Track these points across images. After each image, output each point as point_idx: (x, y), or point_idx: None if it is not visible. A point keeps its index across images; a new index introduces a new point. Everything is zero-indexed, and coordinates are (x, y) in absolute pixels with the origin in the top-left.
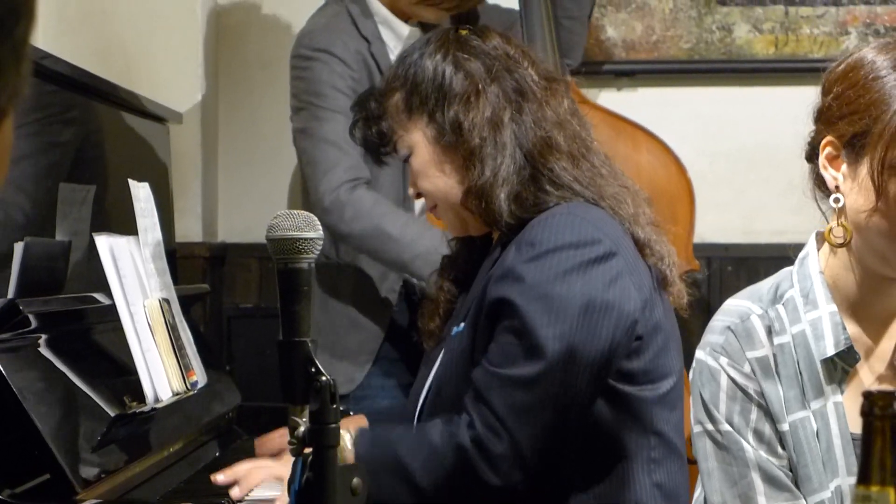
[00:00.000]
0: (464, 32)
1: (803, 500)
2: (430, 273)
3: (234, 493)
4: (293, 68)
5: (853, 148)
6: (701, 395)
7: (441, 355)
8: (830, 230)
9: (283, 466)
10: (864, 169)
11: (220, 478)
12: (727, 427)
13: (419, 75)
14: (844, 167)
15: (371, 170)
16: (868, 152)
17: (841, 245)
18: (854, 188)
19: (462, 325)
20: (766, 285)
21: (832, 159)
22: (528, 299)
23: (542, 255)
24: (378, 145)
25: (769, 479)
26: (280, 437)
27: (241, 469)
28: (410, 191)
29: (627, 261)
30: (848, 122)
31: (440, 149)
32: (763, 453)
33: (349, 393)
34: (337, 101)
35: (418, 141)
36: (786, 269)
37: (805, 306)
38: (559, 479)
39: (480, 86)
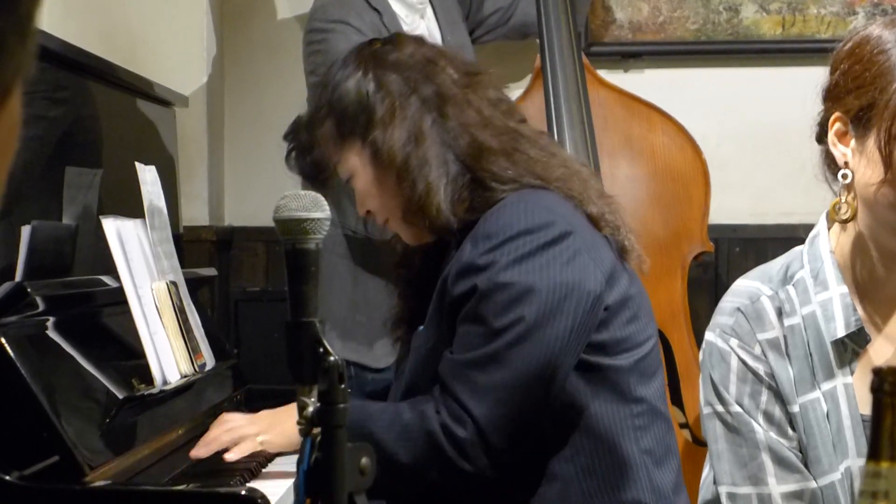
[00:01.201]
0: (378, 45)
1: (813, 482)
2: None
3: (199, 452)
4: (309, 43)
5: (860, 121)
6: (711, 376)
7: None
8: (835, 206)
9: (250, 424)
10: (871, 141)
11: (194, 452)
12: (737, 409)
13: (344, 100)
14: (853, 142)
15: None
16: (875, 124)
17: (844, 221)
18: (863, 162)
19: (425, 324)
20: (776, 266)
21: (841, 136)
22: (488, 288)
23: (499, 245)
24: (315, 174)
25: (779, 461)
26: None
27: (211, 434)
28: (360, 209)
29: (584, 238)
30: (855, 95)
31: (377, 167)
32: (773, 435)
33: (387, 367)
34: None
35: (355, 165)
36: (796, 249)
37: (815, 287)
38: (544, 455)
39: (398, 102)
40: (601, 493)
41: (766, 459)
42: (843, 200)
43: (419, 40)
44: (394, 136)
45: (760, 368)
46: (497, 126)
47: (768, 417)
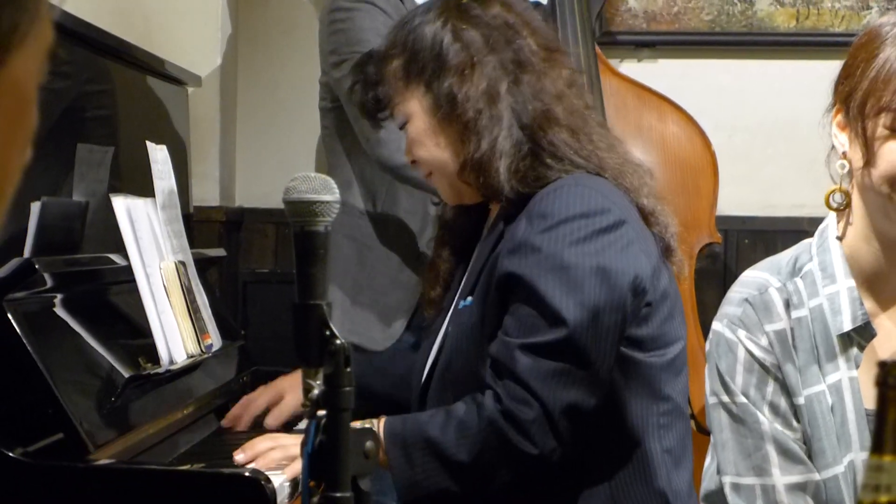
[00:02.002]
0: (464, 0)
1: (817, 474)
2: (428, 240)
3: (241, 461)
4: (332, 22)
5: (848, 109)
6: (717, 366)
7: (445, 328)
8: (830, 195)
9: (298, 445)
10: (858, 126)
11: (240, 457)
12: (743, 399)
13: (418, 43)
14: (848, 131)
15: None
16: (856, 107)
17: (838, 209)
18: (853, 149)
19: (469, 299)
20: (784, 257)
21: (842, 127)
22: (544, 270)
23: (555, 227)
24: (375, 110)
25: (784, 452)
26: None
27: (260, 447)
28: (406, 157)
29: (636, 229)
30: (845, 84)
31: (436, 120)
32: (778, 426)
33: (382, 349)
34: None
35: (415, 110)
36: (805, 242)
37: (823, 280)
38: (576, 450)
39: (476, 57)
40: (627, 488)
41: (771, 450)
42: (839, 189)
43: (507, 4)
44: (469, 91)
45: (767, 360)
46: (569, 104)
47: (774, 409)
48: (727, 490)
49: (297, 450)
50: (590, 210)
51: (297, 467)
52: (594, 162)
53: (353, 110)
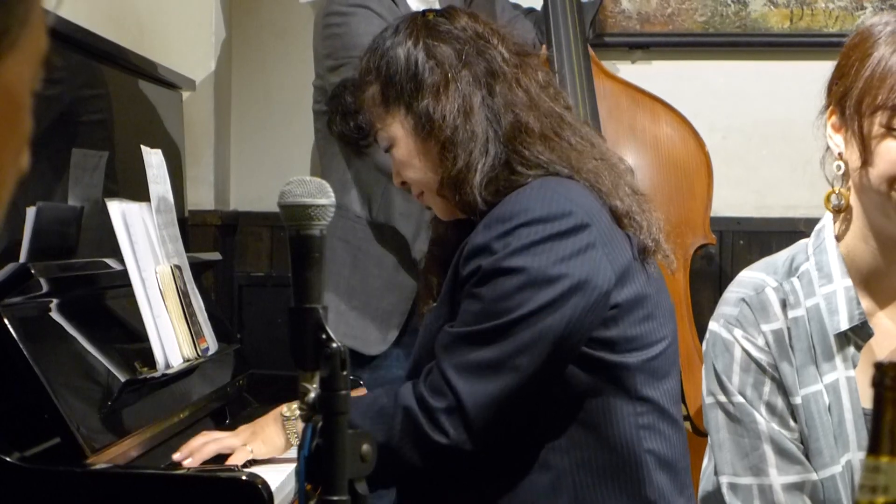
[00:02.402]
0: (431, 16)
1: (814, 474)
2: (422, 244)
3: (188, 464)
4: (327, 26)
5: (843, 109)
6: (714, 366)
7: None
8: (828, 196)
9: (234, 436)
10: (854, 126)
11: (176, 455)
12: (740, 399)
13: (392, 66)
14: (844, 132)
15: None
16: (851, 107)
17: (837, 211)
18: (849, 149)
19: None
20: (781, 257)
21: (837, 128)
22: (493, 269)
23: (512, 230)
24: (357, 138)
25: (781, 452)
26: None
27: (195, 443)
28: (395, 179)
29: (601, 232)
30: (839, 84)
31: (419, 140)
32: (775, 426)
33: (380, 354)
34: None
35: (398, 133)
36: (801, 242)
37: (820, 279)
38: (538, 444)
39: (451, 73)
40: (595, 487)
41: (768, 450)
42: (836, 190)
43: (472, 15)
44: (444, 108)
45: (763, 359)
46: (543, 109)
47: (770, 408)
48: (724, 490)
49: (231, 441)
50: (548, 214)
51: (239, 456)
52: (567, 164)
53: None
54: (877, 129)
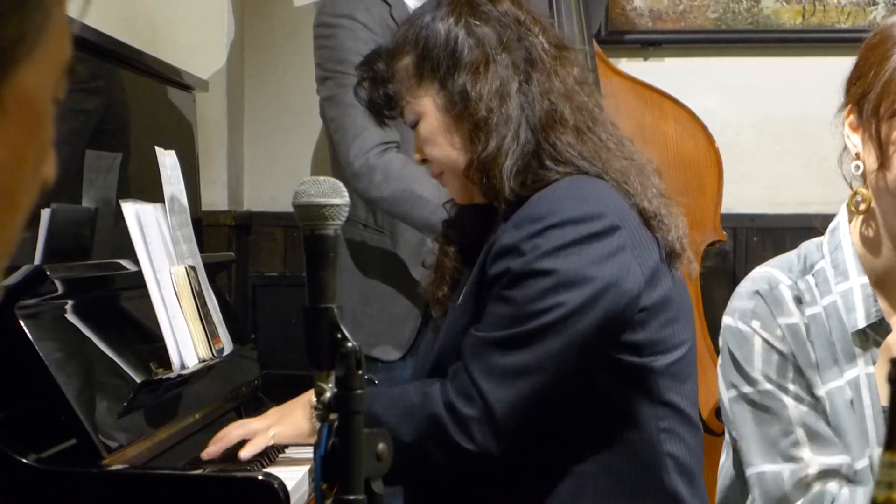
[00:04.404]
0: None
1: (848, 458)
2: (428, 250)
3: (212, 450)
4: (317, 37)
5: (861, 110)
6: (734, 357)
7: (442, 329)
8: (852, 197)
9: (261, 420)
10: (871, 128)
11: (207, 451)
12: (766, 385)
13: (430, 40)
14: (861, 132)
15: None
16: (869, 109)
17: (861, 212)
18: (866, 150)
19: (461, 298)
20: (794, 255)
21: (854, 128)
22: (523, 272)
23: (542, 231)
24: (383, 108)
25: (814, 435)
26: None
27: (223, 431)
28: (416, 155)
29: (631, 234)
30: (858, 85)
31: (450, 117)
32: (805, 408)
33: (398, 359)
34: None
35: (428, 108)
36: (815, 240)
37: (836, 277)
38: (561, 450)
39: (490, 55)
40: (616, 492)
41: (801, 433)
42: (858, 191)
43: (516, 1)
44: (482, 88)
45: (784, 349)
46: (577, 102)
47: (797, 394)
48: (753, 482)
49: (255, 425)
50: (580, 215)
51: (259, 441)
52: (597, 165)
53: (335, 136)
54: (895, 135)
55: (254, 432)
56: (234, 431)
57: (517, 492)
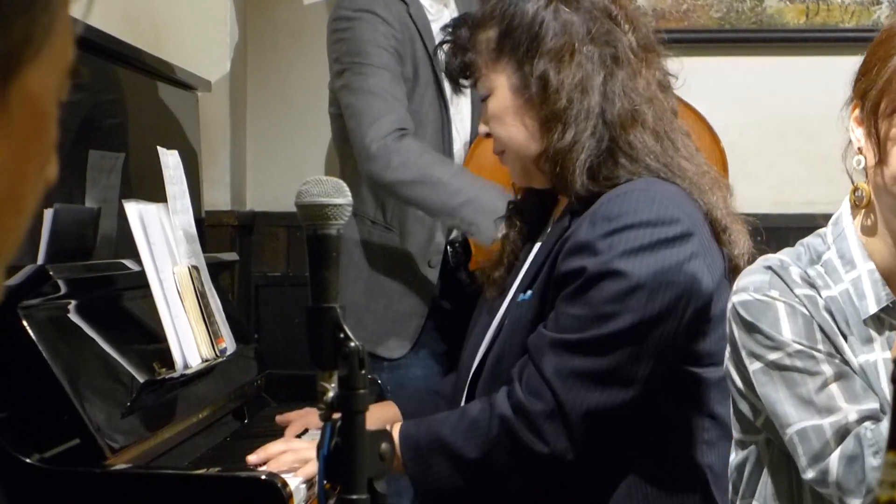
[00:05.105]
0: None
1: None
2: (496, 219)
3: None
4: (334, 31)
5: (864, 106)
6: (757, 327)
7: (500, 319)
8: (853, 192)
9: (312, 448)
10: (871, 125)
11: (252, 458)
12: (797, 346)
13: (517, 18)
14: (864, 127)
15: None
16: (869, 106)
17: (861, 206)
18: (867, 146)
19: (529, 293)
20: (802, 247)
21: (859, 123)
22: (599, 272)
23: (619, 231)
24: (459, 75)
25: (848, 388)
26: (299, 417)
27: (273, 450)
28: (482, 128)
29: (703, 243)
30: (863, 80)
31: (522, 100)
32: (836, 363)
33: (401, 357)
34: (381, 58)
35: (501, 85)
36: (817, 231)
37: (844, 266)
38: (618, 451)
39: (577, 44)
40: (656, 499)
41: (835, 387)
42: (859, 186)
43: None
44: (563, 78)
45: (807, 312)
46: (658, 106)
47: (829, 351)
48: (795, 441)
49: (309, 453)
50: (657, 218)
51: (309, 469)
52: (673, 169)
53: (350, 122)
54: (894, 131)
55: (306, 460)
56: (286, 456)
57: (573, 492)
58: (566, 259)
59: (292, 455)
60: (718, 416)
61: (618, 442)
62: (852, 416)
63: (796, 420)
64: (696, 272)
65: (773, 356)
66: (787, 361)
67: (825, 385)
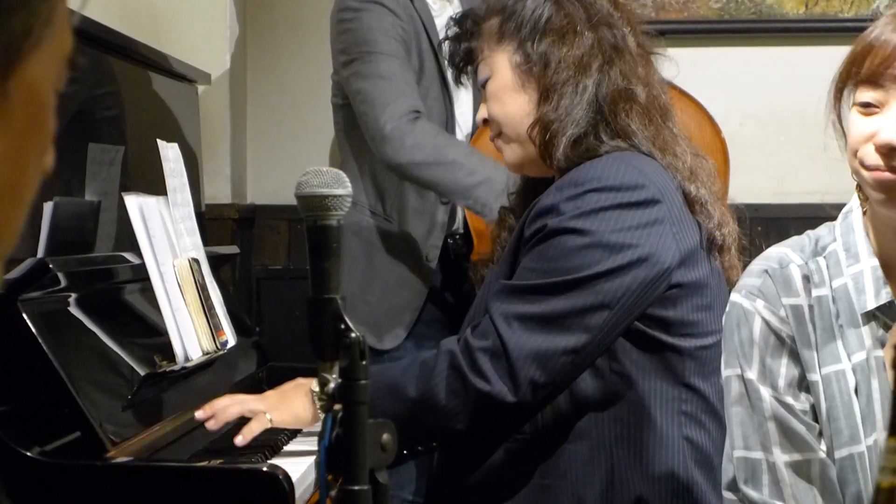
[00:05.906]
0: None
1: (821, 453)
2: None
3: (209, 425)
4: (340, 22)
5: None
6: (733, 339)
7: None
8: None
9: (257, 401)
10: (837, 105)
11: (199, 414)
12: (750, 375)
13: (520, 6)
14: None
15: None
16: (831, 90)
17: (866, 200)
18: (839, 132)
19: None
20: (808, 237)
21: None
22: (557, 229)
23: (582, 194)
24: (462, 62)
25: (784, 431)
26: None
27: (219, 404)
28: (480, 112)
29: (671, 211)
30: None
31: (521, 76)
32: (789, 399)
33: (392, 349)
34: (390, 46)
35: (501, 64)
36: (827, 223)
37: (847, 260)
38: (581, 415)
39: (579, 27)
40: (630, 466)
41: (772, 428)
42: None
43: (614, 0)
44: (564, 54)
45: (783, 330)
46: (655, 92)
47: (786, 379)
48: (737, 464)
49: (255, 405)
50: (622, 184)
51: (255, 427)
52: (655, 144)
53: (363, 107)
54: (847, 109)
55: (251, 412)
56: (232, 408)
57: (533, 451)
58: (532, 222)
59: (238, 407)
60: (698, 389)
61: (576, 401)
62: (780, 462)
63: (741, 446)
64: (658, 237)
65: (737, 371)
66: (745, 384)
67: (763, 423)
